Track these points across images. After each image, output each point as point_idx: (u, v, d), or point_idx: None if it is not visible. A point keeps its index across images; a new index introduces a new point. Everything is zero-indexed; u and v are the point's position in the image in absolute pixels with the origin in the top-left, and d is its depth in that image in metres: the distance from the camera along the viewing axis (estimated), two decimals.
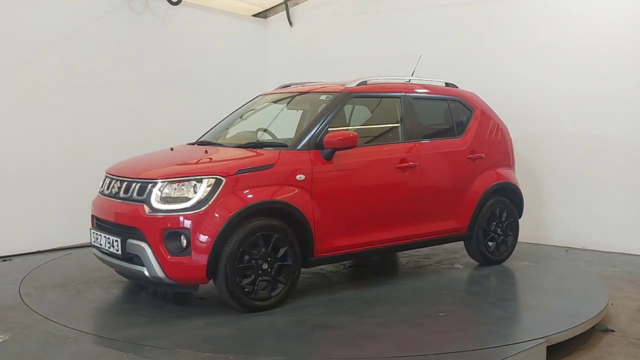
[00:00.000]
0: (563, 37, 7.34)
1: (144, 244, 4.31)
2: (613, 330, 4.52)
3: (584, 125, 7.25)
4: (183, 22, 8.63)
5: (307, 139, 4.81)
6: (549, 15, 7.45)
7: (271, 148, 4.82)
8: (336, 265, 6.01)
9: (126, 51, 7.86)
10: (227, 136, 5.58)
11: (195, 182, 4.33)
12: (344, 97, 5.17)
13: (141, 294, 5.07)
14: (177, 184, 4.36)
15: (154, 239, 4.26)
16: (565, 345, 4.06)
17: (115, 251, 4.56)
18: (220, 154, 4.95)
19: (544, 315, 4.60)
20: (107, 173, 5.07)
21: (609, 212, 7.15)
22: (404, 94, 5.55)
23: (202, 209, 4.25)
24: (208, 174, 4.38)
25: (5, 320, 4.26)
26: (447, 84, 6.13)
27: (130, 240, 4.41)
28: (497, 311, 4.53)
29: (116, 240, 4.52)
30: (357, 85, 5.33)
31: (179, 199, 4.31)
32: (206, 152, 5.00)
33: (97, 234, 4.84)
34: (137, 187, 4.51)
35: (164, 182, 4.38)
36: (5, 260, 6.45)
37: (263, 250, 4.41)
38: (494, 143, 6.04)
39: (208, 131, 5.85)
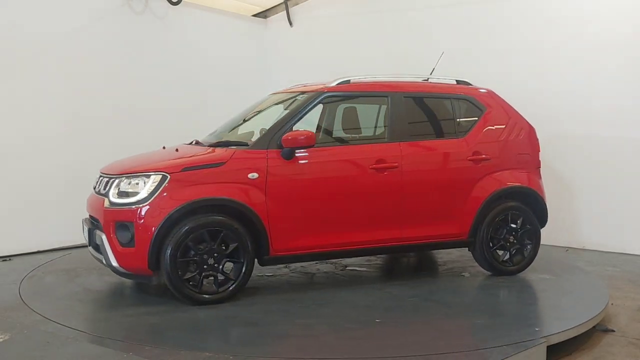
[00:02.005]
0: (564, 37, 7.35)
1: (102, 235, 4.65)
2: (613, 330, 4.52)
3: (584, 126, 7.25)
4: (183, 22, 8.64)
5: (267, 138, 4.85)
6: (556, 14, 7.45)
7: (234, 147, 4.89)
8: (336, 266, 6.01)
9: (126, 51, 7.86)
10: (226, 135, 5.58)
11: (144, 178, 4.58)
12: (315, 97, 5.14)
13: (140, 292, 5.08)
14: (131, 179, 4.63)
15: (109, 230, 4.60)
16: (565, 345, 4.06)
17: (87, 240, 4.99)
18: (183, 153, 5.04)
19: (544, 315, 4.60)
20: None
21: (609, 212, 7.15)
22: (392, 92, 5.35)
23: (146, 203, 4.50)
24: (155, 170, 4.61)
25: (5, 320, 4.26)
26: (458, 82, 5.82)
27: (96, 231, 4.79)
28: (447, 323, 4.35)
29: (88, 230, 4.95)
30: (338, 84, 5.27)
31: (130, 193, 4.59)
32: (177, 150, 5.14)
33: (83, 225, 5.21)
34: (104, 182, 4.87)
35: (120, 177, 4.70)
36: (5, 260, 6.46)
37: (208, 246, 4.53)
38: (511, 144, 5.62)
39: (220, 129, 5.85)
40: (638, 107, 6.89)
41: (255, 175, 4.68)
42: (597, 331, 4.47)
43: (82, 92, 7.37)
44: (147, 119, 8.02)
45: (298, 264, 6.04)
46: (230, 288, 4.63)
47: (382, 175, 5.07)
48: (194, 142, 5.51)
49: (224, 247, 4.61)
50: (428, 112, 5.66)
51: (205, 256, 4.54)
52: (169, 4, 8.34)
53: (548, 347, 3.82)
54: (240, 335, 4.12)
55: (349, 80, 5.33)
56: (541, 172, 5.85)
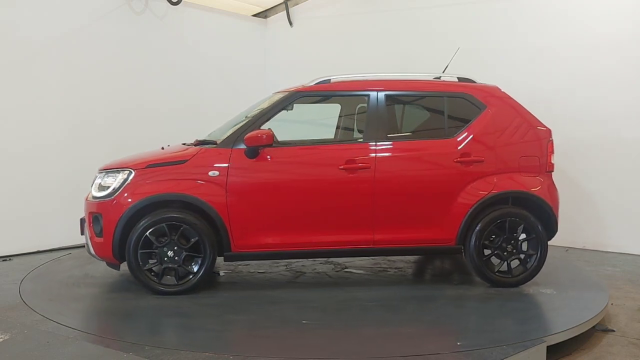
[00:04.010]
0: (561, 37, 7.36)
1: (86, 225, 5.05)
2: (613, 330, 4.52)
3: (583, 126, 7.26)
4: (183, 22, 8.64)
5: (234, 137, 4.95)
6: (559, 14, 7.46)
7: (207, 146, 5.04)
8: (335, 266, 6.00)
9: (126, 51, 7.86)
10: (219, 135, 5.61)
11: (116, 174, 4.92)
12: (289, 97, 5.14)
13: (138, 291, 5.08)
14: (107, 175, 4.98)
15: (89, 221, 4.99)
16: (565, 345, 4.06)
17: (80, 230, 5.34)
18: (161, 151, 5.25)
19: (544, 315, 4.60)
20: None
21: (609, 212, 7.16)
22: (373, 92, 5.17)
23: (113, 197, 4.83)
24: (124, 167, 4.93)
25: (5, 320, 4.26)
26: (460, 79, 5.48)
27: (84, 222, 5.16)
28: (372, 330, 4.16)
29: (80, 221, 5.30)
30: (317, 84, 5.24)
31: (104, 188, 4.94)
32: (162, 148, 5.37)
33: None
34: (95, 177, 5.22)
35: (101, 173, 5.08)
36: (5, 260, 6.46)
37: (168, 239, 4.77)
38: (513, 146, 5.19)
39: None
40: (638, 107, 6.90)
41: (216, 173, 4.82)
42: (597, 331, 4.46)
43: (82, 92, 7.38)
44: (147, 119, 8.03)
45: (299, 263, 6.07)
46: (190, 281, 4.82)
47: (352, 176, 4.95)
48: (194, 142, 5.54)
49: (185, 242, 4.80)
50: (414, 111, 5.49)
51: (165, 249, 4.77)
52: (169, 4, 8.35)
53: (548, 347, 3.81)
54: (160, 324, 4.33)
55: (330, 79, 5.29)
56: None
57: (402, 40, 8.57)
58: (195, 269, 4.83)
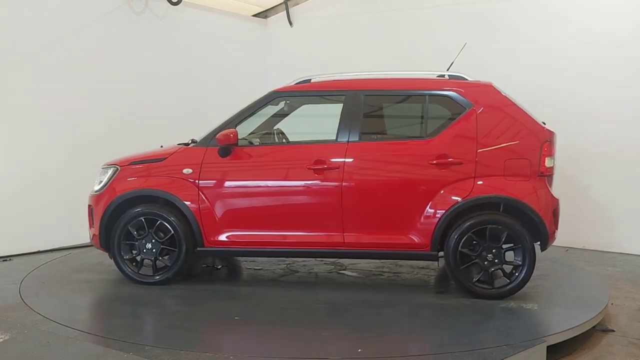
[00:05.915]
0: (561, 37, 7.36)
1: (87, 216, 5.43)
2: (613, 330, 4.52)
3: (583, 125, 7.26)
4: (183, 22, 8.65)
5: (210, 136, 5.10)
6: (560, 14, 7.47)
7: (193, 145, 5.21)
8: (335, 267, 6.00)
9: (126, 51, 7.87)
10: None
11: (107, 170, 5.27)
12: (266, 98, 5.21)
13: (141, 291, 5.08)
14: (103, 171, 5.31)
15: (88, 213, 5.34)
16: (565, 345, 4.05)
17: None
18: (155, 150, 5.42)
19: (544, 315, 4.59)
20: None
21: (608, 212, 7.16)
22: (349, 91, 5.07)
23: (101, 191, 5.19)
24: (113, 164, 5.28)
25: (5, 320, 4.26)
26: (451, 76, 5.19)
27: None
28: (303, 330, 4.10)
29: None
30: (296, 84, 5.25)
31: (100, 183, 5.27)
32: (161, 146, 5.53)
33: None
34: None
35: (101, 169, 5.37)
36: (5, 260, 6.46)
37: (145, 232, 5.06)
38: (499, 147, 4.81)
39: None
40: (638, 107, 6.90)
41: (190, 170, 5.02)
42: (597, 331, 4.46)
43: (82, 92, 7.38)
44: (147, 119, 8.03)
45: (300, 262, 6.08)
46: (168, 273, 5.06)
47: (320, 177, 4.89)
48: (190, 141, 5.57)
49: (163, 235, 5.05)
50: (393, 110, 5.41)
51: (144, 242, 5.06)
52: (169, 4, 8.35)
53: (548, 347, 3.81)
54: (101, 310, 4.75)
55: (310, 79, 5.29)
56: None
57: (402, 40, 8.58)
58: (171, 262, 5.05)
